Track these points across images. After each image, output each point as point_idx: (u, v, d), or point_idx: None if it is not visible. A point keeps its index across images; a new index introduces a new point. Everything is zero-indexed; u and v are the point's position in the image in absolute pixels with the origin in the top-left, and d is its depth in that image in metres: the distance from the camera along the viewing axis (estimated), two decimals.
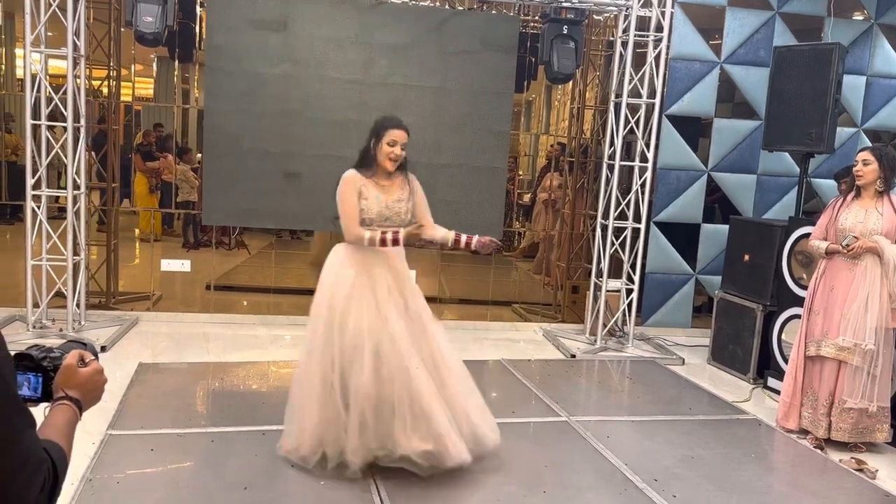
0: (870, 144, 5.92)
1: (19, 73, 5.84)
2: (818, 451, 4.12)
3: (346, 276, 3.12)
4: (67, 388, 1.19)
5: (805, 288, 4.65)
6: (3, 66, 5.89)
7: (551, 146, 6.91)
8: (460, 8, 5.97)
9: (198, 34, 5.97)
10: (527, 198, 7.03)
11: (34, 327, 5.14)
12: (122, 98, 6.01)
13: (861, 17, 6.85)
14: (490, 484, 3.37)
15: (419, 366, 3.08)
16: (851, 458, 4.02)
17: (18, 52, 5.74)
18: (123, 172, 6.02)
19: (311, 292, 6.20)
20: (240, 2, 5.54)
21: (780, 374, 4.88)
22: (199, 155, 5.99)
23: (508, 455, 3.67)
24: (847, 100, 6.63)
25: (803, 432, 4.29)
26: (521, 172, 7.00)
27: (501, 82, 5.93)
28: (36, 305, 5.18)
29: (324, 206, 5.68)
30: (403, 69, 5.79)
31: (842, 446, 4.13)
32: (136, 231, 6.24)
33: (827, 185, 6.60)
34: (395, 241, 2.99)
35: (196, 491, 3.13)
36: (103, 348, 4.96)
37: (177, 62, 6.05)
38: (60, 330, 5.14)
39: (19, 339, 4.91)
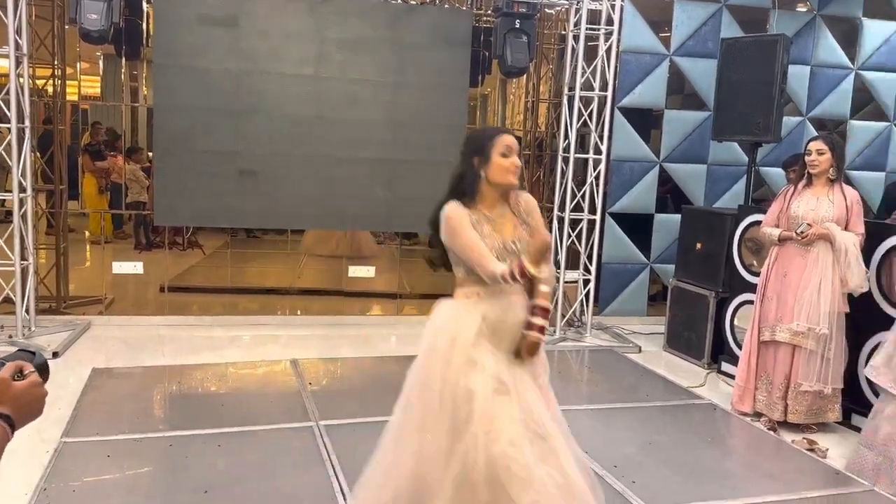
0: (816, 133, 6.11)
1: None
2: (772, 432, 4.21)
3: (466, 341, 2.30)
4: None
5: (756, 274, 4.75)
6: None
7: None
8: (413, 3, 5.99)
9: (145, 31, 5.85)
10: None
11: None
12: (68, 97, 5.87)
13: (804, 9, 7.09)
14: None
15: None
16: (803, 438, 4.11)
17: None
18: (71, 173, 5.88)
19: (269, 291, 6.28)
20: None
21: (733, 359, 4.97)
22: (150, 154, 5.89)
23: None
24: (792, 89, 6.83)
25: (757, 415, 4.38)
26: None
27: (456, 77, 5.98)
28: None
29: (280, 203, 5.72)
30: (358, 64, 5.81)
31: (794, 427, 4.23)
32: (86, 233, 6.11)
33: (775, 173, 6.77)
34: (522, 272, 2.18)
35: (154, 496, 3.06)
36: (55, 354, 4.86)
37: (124, 60, 5.92)
38: (10, 336, 5.02)
39: None
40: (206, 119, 5.56)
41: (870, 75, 7.39)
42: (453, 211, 2.27)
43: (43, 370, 1.22)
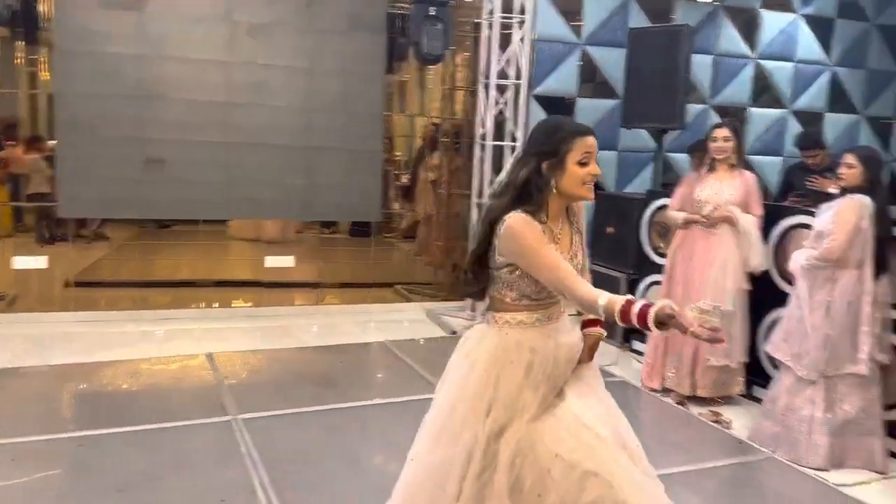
0: (719, 120, 6.32)
1: None
2: (680, 406, 4.34)
3: (515, 377, 1.95)
4: None
5: (663, 256, 4.84)
6: None
7: (426, 127, 7.01)
8: None
9: (43, 13, 5.51)
10: (405, 178, 7.11)
11: None
12: None
13: (707, 0, 7.29)
14: (376, 462, 3.43)
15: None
16: (709, 410, 4.23)
17: None
18: None
19: (182, 284, 6.11)
20: None
21: (643, 338, 5.05)
22: (52, 143, 5.60)
23: (395, 434, 3.64)
24: (697, 78, 7.08)
25: (666, 391, 4.48)
26: (397, 154, 7.06)
27: (372, 63, 5.98)
28: None
29: (191, 192, 5.56)
30: (270, 49, 5.72)
31: (701, 401, 4.34)
32: None
33: (681, 158, 6.92)
34: (643, 319, 1.66)
35: (65, 499, 2.92)
36: None
37: (22, 43, 5.60)
38: None
39: None
40: (111, 106, 5.36)
41: (768, 64, 7.68)
42: (527, 225, 1.85)
43: None
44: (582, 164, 1.86)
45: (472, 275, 2.02)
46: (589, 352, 2.14)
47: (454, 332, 5.72)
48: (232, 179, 5.72)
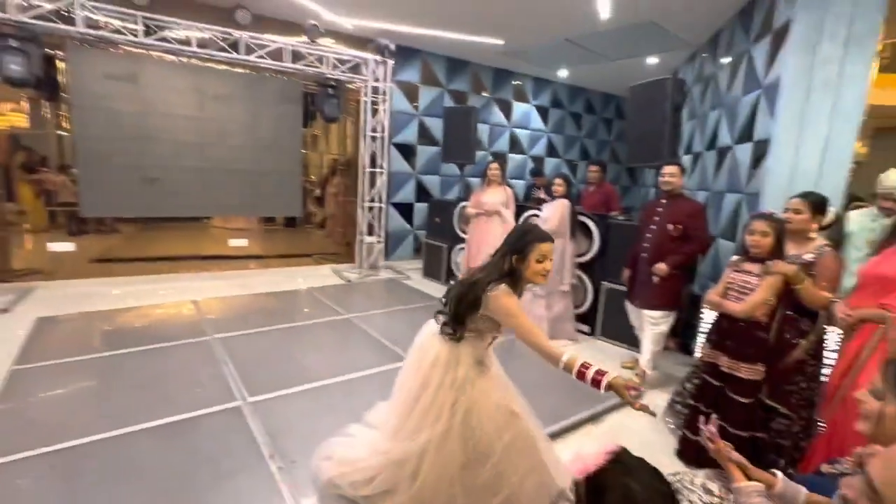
0: (493, 159, 6.77)
1: None
2: None
3: (468, 379, 1.76)
4: None
5: (465, 233, 4.94)
6: None
7: (330, 160, 6.95)
8: (265, 75, 5.69)
9: (62, 82, 4.81)
10: (317, 192, 7.02)
11: None
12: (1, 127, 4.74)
13: (486, 94, 7.66)
14: (305, 359, 3.29)
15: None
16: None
17: None
18: (7, 183, 4.79)
19: (174, 258, 5.71)
20: (96, 60, 4.73)
21: (456, 278, 5.12)
22: (74, 170, 4.92)
23: (317, 340, 3.67)
24: (481, 136, 7.59)
25: None
26: (312, 177, 6.95)
27: (294, 121, 5.83)
28: None
29: (175, 200, 5.23)
30: (229, 110, 5.42)
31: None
32: (27, 225, 4.97)
33: (474, 181, 7.11)
34: (597, 383, 1.54)
35: (98, 398, 2.66)
36: (3, 311, 4.05)
37: (47, 102, 4.88)
38: None
39: None
40: (118, 144, 4.87)
41: (517, 130, 8.07)
42: (511, 296, 1.69)
43: None
44: (538, 261, 1.73)
45: (452, 321, 1.75)
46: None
47: (349, 281, 5.75)
48: (205, 191, 5.41)
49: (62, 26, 4.29)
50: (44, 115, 4.92)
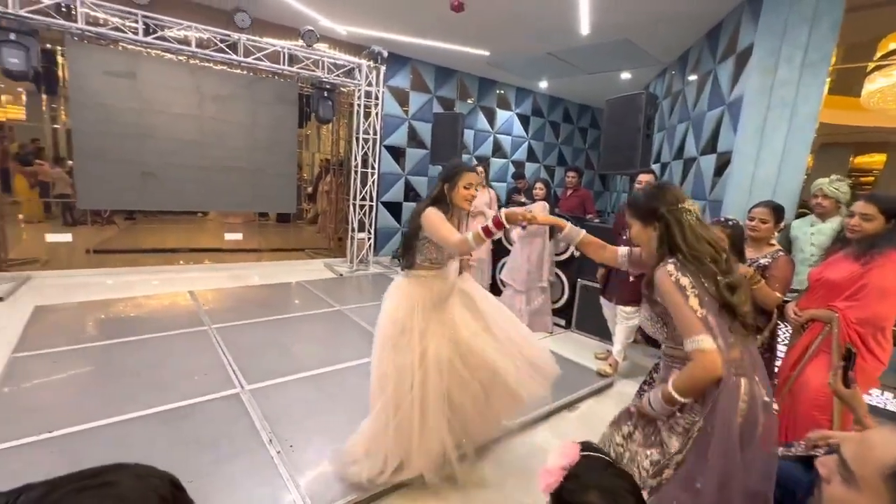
0: (477, 163, 6.57)
1: None
2: None
3: (410, 311, 1.87)
4: None
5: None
6: None
7: (323, 160, 6.87)
8: (263, 76, 5.59)
9: (61, 77, 4.63)
10: (310, 189, 6.92)
11: None
12: None
13: (471, 101, 7.68)
14: (295, 348, 3.25)
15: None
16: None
17: None
18: (3, 174, 4.56)
19: (171, 250, 5.57)
20: (95, 56, 4.56)
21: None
22: (70, 162, 4.76)
23: (308, 332, 3.59)
24: (467, 141, 7.62)
25: None
26: (305, 175, 6.86)
27: (290, 122, 5.74)
28: None
29: (172, 194, 5.09)
30: (227, 110, 5.30)
31: None
32: (20, 216, 4.75)
33: None
34: (499, 225, 1.66)
35: (94, 385, 2.57)
36: (0, 299, 3.91)
37: (44, 95, 4.63)
38: None
39: None
40: (115, 139, 4.72)
41: (500, 136, 8.09)
42: (433, 210, 1.82)
43: None
44: (466, 187, 1.87)
45: (404, 251, 1.93)
46: (460, 268, 2.04)
47: (341, 275, 5.72)
48: (203, 187, 5.28)
49: (62, 22, 4.12)
50: (41, 108, 4.68)
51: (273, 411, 2.40)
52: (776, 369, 2.25)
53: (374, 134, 6.07)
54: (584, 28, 4.94)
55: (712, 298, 1.21)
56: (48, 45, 4.49)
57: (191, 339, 3.32)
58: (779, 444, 1.18)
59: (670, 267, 1.25)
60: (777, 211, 2.28)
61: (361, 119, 5.97)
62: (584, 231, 1.71)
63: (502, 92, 8.04)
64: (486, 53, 6.27)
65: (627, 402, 2.63)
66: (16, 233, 4.70)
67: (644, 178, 3.18)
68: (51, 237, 4.82)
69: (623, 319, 3.27)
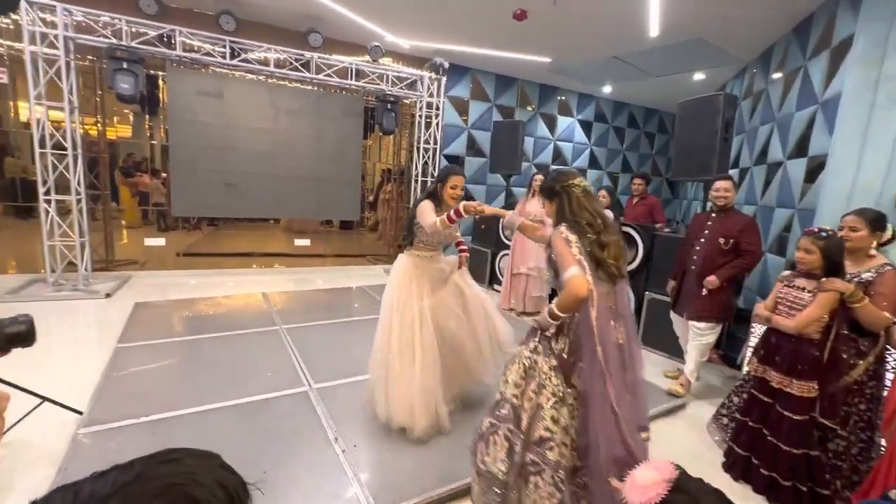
0: (537, 171, 6.53)
1: (22, 118, 4.77)
2: (518, 316, 4.49)
3: (409, 280, 2.33)
4: None
5: (510, 241, 4.87)
6: (11, 113, 4.81)
7: (384, 169, 7.11)
8: (331, 91, 5.91)
9: (161, 98, 5.26)
10: (371, 197, 7.18)
11: (53, 286, 4.43)
12: (108, 137, 5.16)
13: (531, 109, 7.63)
14: (356, 348, 3.30)
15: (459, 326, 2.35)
16: (532, 319, 4.49)
17: (22, 104, 4.72)
18: (111, 184, 5.23)
19: (246, 254, 6.03)
20: (189, 79, 5.08)
21: (499, 282, 5.25)
22: (164, 175, 5.35)
23: (367, 334, 3.77)
24: (526, 149, 7.56)
25: (511, 310, 4.60)
26: (368, 185, 7.13)
27: (355, 133, 6.00)
28: (52, 271, 4.47)
29: (250, 202, 5.51)
30: (298, 123, 5.67)
31: (528, 314, 4.51)
32: (123, 222, 5.39)
33: (520, 190, 7.09)
34: (458, 214, 2.06)
35: (180, 373, 2.84)
36: (108, 295, 4.42)
37: (146, 115, 5.29)
38: (74, 287, 4.46)
39: (45, 294, 4.26)
40: (204, 153, 5.21)
41: (560, 143, 7.97)
42: (428, 205, 2.27)
43: (19, 338, 1.02)
44: (452, 187, 2.30)
45: (406, 232, 2.42)
46: (459, 263, 2.47)
47: None
48: (276, 195, 5.67)
49: (164, 50, 4.65)
50: (143, 127, 5.31)
51: (338, 411, 2.49)
52: (882, 398, 2.03)
53: (434, 143, 6.19)
54: (654, 29, 4.73)
55: (587, 252, 1.57)
56: (151, 72, 5.08)
57: (263, 337, 3.51)
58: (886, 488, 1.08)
59: (562, 228, 1.62)
60: (873, 219, 2.07)
61: (422, 129, 6.11)
62: (522, 218, 2.11)
63: (563, 98, 7.90)
64: (548, 60, 6.19)
65: (701, 426, 2.54)
66: (119, 237, 5.32)
67: (721, 185, 2.96)
68: (148, 241, 5.42)
69: (696, 336, 3.05)
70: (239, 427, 2.30)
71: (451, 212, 2.09)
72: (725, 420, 2.54)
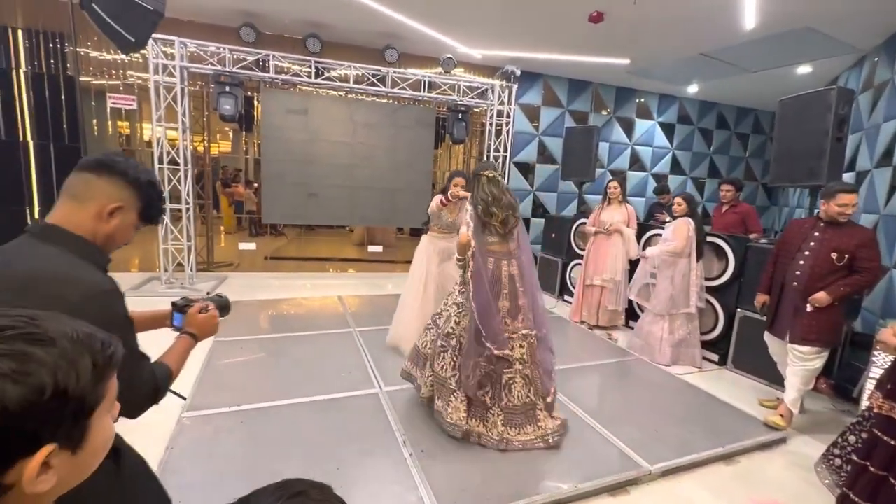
0: (612, 178, 6.43)
1: (145, 137, 5.54)
2: (590, 330, 4.37)
3: (423, 253, 3.28)
4: (189, 326, 1.16)
5: (582, 250, 4.78)
6: (138, 133, 5.59)
7: None
8: (404, 104, 6.14)
9: (255, 116, 5.82)
10: None
11: (165, 283, 5.04)
12: (212, 152, 5.82)
13: (606, 113, 7.36)
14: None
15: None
16: (606, 333, 4.26)
17: (146, 125, 5.48)
18: (214, 194, 5.87)
19: (324, 259, 6.42)
20: (280, 98, 5.55)
21: (570, 293, 5.16)
22: (256, 185, 5.89)
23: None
24: (601, 155, 7.24)
25: (582, 322, 4.50)
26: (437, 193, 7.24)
27: (427, 143, 6.16)
28: (165, 270, 5.08)
29: (330, 211, 5.86)
30: (374, 136, 5.93)
31: (601, 328, 4.40)
32: (222, 228, 6.04)
33: (593, 197, 6.70)
34: (447, 199, 3.05)
35: (266, 367, 3.04)
36: (208, 293, 4.93)
37: (243, 132, 5.89)
38: (182, 285, 5.04)
39: (159, 291, 4.84)
40: (290, 165, 5.64)
41: (638, 148, 7.64)
42: (436, 201, 3.16)
43: (224, 308, 1.25)
44: (454, 185, 3.00)
45: (426, 219, 3.31)
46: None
47: None
48: (353, 204, 5.98)
49: (259, 73, 5.15)
50: (240, 143, 5.92)
51: (406, 414, 2.54)
52: None
53: (504, 151, 6.18)
54: (750, 21, 4.32)
55: (479, 218, 2.34)
56: (248, 93, 5.65)
57: (339, 338, 3.67)
58: None
59: (467, 204, 2.41)
60: None
61: (492, 137, 6.13)
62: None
63: (642, 100, 7.51)
64: (627, 62, 5.92)
65: (807, 464, 2.27)
66: (218, 241, 5.94)
67: (849, 198, 2.51)
68: (242, 245, 5.99)
69: (798, 361, 2.69)
70: (315, 422, 2.42)
71: (442, 197, 3.08)
72: (838, 461, 2.20)
